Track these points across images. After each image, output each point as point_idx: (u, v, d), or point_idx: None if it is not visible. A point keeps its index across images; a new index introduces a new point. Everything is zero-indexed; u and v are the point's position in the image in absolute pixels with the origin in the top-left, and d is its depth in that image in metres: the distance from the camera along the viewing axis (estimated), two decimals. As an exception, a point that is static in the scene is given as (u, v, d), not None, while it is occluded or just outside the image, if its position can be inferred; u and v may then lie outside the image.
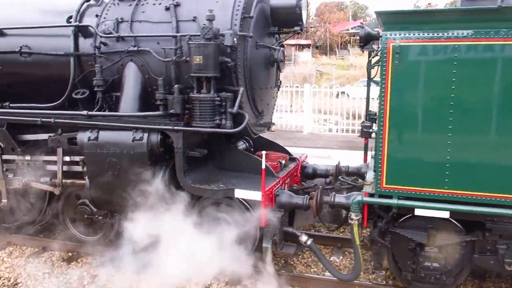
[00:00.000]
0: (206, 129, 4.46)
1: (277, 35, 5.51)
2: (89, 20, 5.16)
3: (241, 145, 5.58)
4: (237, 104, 4.42)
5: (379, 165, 4.18)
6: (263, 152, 4.38)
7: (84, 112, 4.81)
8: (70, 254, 5.72)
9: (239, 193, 4.51)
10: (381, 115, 4.09)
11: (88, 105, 5.20)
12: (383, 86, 4.05)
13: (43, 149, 5.48)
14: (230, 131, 4.44)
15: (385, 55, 4.00)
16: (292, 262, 5.56)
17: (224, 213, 4.82)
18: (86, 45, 5.16)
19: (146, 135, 4.62)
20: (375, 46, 5.30)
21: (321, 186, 4.82)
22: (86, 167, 4.88)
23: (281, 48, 5.43)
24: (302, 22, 5.09)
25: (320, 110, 13.32)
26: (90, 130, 4.82)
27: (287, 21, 5.17)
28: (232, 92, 4.56)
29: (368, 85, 6.03)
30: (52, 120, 4.96)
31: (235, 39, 4.37)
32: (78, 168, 5.25)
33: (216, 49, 4.35)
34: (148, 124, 4.67)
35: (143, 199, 4.70)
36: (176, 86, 4.53)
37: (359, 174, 5.90)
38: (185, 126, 4.55)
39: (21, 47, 5.28)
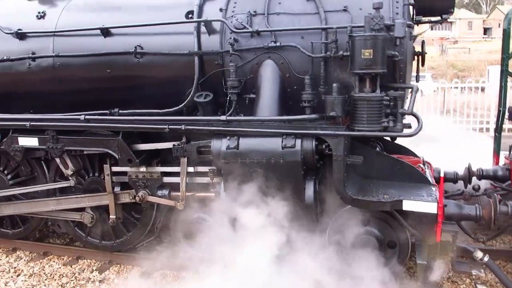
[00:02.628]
0: (375, 133, 3.93)
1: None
2: (212, 15, 4.65)
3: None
4: (411, 103, 3.88)
5: None
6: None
7: (222, 117, 4.29)
8: (184, 274, 5.19)
9: (409, 205, 3.98)
10: None
11: (209, 109, 4.72)
12: None
13: (159, 160, 5.00)
14: (407, 134, 3.90)
15: None
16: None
17: (375, 227, 4.36)
18: (210, 42, 4.64)
19: (299, 141, 4.09)
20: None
21: (495, 194, 4.27)
22: (224, 178, 4.35)
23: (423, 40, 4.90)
24: (453, 9, 4.57)
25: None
26: (228, 138, 4.29)
27: (437, 9, 4.63)
28: (395, 90, 4.05)
29: (505, 76, 5.49)
30: (182, 127, 4.44)
31: (406, 29, 3.84)
32: (203, 180, 4.75)
33: (385, 41, 3.83)
34: (295, 129, 4.15)
35: (291, 213, 4.20)
36: (335, 85, 4.00)
37: (497, 177, 5.35)
38: (346, 130, 4.02)
39: (136, 47, 4.77)
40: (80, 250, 5.76)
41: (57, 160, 5.19)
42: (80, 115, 4.87)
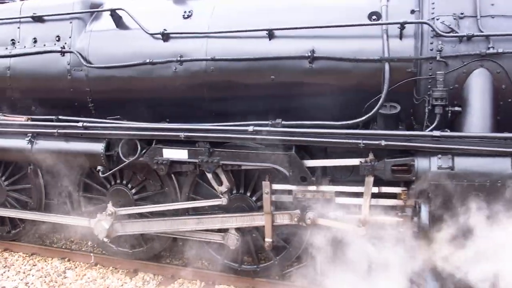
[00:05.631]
0: None
1: None
2: (398, 17, 4.13)
3: None
4: None
5: None
6: None
7: (436, 133, 3.75)
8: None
9: None
10: None
11: (391, 122, 4.20)
12: None
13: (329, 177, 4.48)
14: None
15: None
16: None
17: None
18: (401, 47, 4.13)
19: (538, 162, 3.55)
20: None
21: None
22: (433, 202, 3.79)
23: None
24: None
25: None
26: (438, 156, 3.76)
27: None
28: None
29: None
30: (381, 142, 3.90)
31: None
32: (389, 202, 4.21)
33: None
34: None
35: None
36: None
37: None
38: None
39: (311, 51, 4.27)
40: (215, 275, 5.20)
41: (209, 175, 4.65)
42: (247, 125, 4.35)
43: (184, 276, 5.26)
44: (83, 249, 6.17)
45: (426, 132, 3.82)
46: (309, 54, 4.26)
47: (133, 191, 5.35)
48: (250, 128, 4.29)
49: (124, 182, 5.39)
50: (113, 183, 5.44)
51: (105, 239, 5.26)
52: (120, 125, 4.87)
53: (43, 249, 6.04)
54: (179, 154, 4.68)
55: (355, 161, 4.15)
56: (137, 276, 5.37)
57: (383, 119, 4.20)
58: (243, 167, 4.61)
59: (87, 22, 5.30)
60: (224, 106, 4.73)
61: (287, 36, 4.45)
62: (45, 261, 5.78)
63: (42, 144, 5.19)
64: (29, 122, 5.26)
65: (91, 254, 5.75)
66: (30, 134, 5.20)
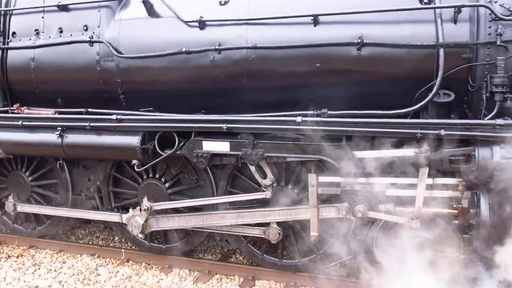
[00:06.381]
0: None
1: None
2: (453, 0, 3.97)
3: None
4: None
5: None
6: None
7: (499, 121, 3.61)
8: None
9: None
10: None
11: (443, 111, 4.05)
12: None
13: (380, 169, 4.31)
14: None
15: None
16: None
17: None
18: (455, 32, 3.95)
19: None
20: None
21: None
22: (494, 193, 3.67)
23: None
24: None
25: None
26: (501, 145, 3.62)
27: None
28: None
29: None
30: (441, 132, 3.75)
31: None
32: (444, 194, 4.06)
33: None
34: None
35: None
36: None
37: None
38: None
39: (360, 37, 4.08)
40: (254, 270, 5.07)
41: (252, 168, 4.49)
42: (294, 115, 4.19)
43: (220, 272, 5.12)
44: (110, 244, 6.02)
45: (489, 121, 3.68)
46: (358, 40, 4.08)
47: (167, 185, 5.18)
48: (298, 119, 4.12)
49: (157, 176, 5.22)
50: (145, 177, 5.27)
51: (140, 235, 5.11)
52: (157, 117, 4.69)
53: (70, 246, 5.87)
54: (221, 146, 4.52)
55: (409, 152, 4.00)
56: (172, 272, 5.22)
57: (436, 107, 4.04)
58: (287, 159, 4.44)
59: (115, 10, 5.07)
60: (265, 96, 4.54)
61: (333, 22, 4.25)
62: (74, 258, 5.62)
63: (73, 138, 5.00)
64: (60, 116, 5.07)
65: (122, 250, 5.59)
66: (60, 128, 5.00)
